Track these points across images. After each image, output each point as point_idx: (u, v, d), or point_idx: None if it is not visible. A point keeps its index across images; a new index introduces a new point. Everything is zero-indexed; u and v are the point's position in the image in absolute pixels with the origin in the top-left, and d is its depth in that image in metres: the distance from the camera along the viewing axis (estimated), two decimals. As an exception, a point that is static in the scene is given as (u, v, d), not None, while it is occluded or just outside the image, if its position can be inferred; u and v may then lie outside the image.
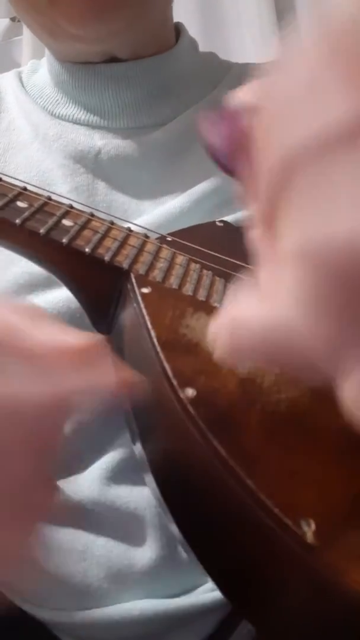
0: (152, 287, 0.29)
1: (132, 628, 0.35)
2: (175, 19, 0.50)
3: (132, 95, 0.46)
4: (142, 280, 0.30)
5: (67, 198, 0.35)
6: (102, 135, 0.45)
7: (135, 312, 0.28)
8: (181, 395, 0.23)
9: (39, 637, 0.37)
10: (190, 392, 0.23)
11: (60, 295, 0.37)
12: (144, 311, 0.27)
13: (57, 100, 0.47)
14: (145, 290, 0.29)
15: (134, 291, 0.29)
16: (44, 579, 0.37)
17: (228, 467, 0.21)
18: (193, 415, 0.23)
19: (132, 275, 0.30)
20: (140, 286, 0.29)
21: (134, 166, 0.44)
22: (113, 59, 0.45)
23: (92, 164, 0.44)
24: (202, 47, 0.52)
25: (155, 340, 0.26)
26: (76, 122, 0.46)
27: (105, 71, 0.45)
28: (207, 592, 0.36)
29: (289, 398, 0.25)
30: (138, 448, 0.28)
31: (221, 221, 0.39)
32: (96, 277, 0.31)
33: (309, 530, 0.20)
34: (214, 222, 0.39)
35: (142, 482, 0.36)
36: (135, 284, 0.29)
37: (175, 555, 0.35)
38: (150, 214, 0.42)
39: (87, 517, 0.37)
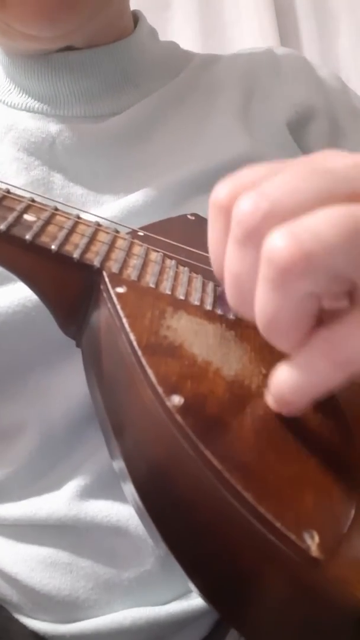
0: (128, 286, 0.27)
1: (124, 637, 0.34)
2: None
3: (89, 84, 0.43)
4: (116, 279, 0.27)
5: (27, 191, 0.32)
6: (57, 123, 0.42)
7: (110, 313, 0.26)
8: (168, 404, 0.21)
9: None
10: (177, 399, 0.22)
11: (16, 293, 0.35)
12: (121, 313, 0.25)
13: (10, 90, 0.44)
14: (120, 289, 0.27)
15: (108, 291, 0.27)
16: (31, 595, 0.36)
17: (223, 480, 0.20)
18: (182, 425, 0.21)
19: (105, 274, 0.27)
20: (114, 285, 0.27)
21: (90, 155, 0.42)
22: (68, 47, 0.42)
23: (47, 155, 0.41)
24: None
25: (135, 344, 0.24)
26: (29, 110, 0.43)
27: (59, 60, 0.42)
28: (199, 597, 0.34)
29: None
30: (119, 463, 0.25)
31: (193, 214, 0.37)
32: (64, 277, 0.28)
33: (312, 543, 0.19)
34: (186, 215, 0.37)
35: (122, 497, 0.34)
36: (108, 284, 0.27)
37: (164, 563, 0.34)
38: (112, 206, 0.40)
39: (68, 534, 0.35)
